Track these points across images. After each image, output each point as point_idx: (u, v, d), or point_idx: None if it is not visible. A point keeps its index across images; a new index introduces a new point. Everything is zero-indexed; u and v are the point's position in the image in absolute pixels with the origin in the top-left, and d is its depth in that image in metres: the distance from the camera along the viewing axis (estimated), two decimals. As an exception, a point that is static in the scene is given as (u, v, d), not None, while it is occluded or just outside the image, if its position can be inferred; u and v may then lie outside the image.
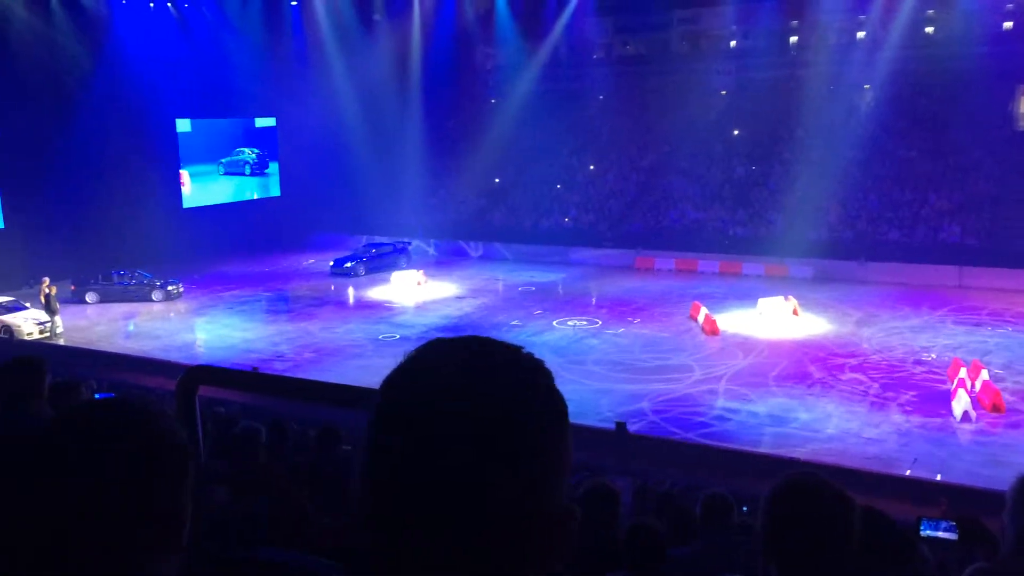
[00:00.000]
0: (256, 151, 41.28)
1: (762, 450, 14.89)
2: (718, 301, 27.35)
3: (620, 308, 27.53)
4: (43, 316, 24.57)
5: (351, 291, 31.55)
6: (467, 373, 0.94)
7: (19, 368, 3.92)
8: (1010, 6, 38.60)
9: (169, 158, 38.40)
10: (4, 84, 31.06)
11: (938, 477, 13.51)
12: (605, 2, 45.27)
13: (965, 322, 24.72)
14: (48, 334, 24.27)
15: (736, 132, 41.88)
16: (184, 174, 39.81)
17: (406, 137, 42.60)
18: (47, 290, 24.63)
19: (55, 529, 1.16)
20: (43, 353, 14.64)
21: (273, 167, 43.75)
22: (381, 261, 34.86)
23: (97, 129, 32.29)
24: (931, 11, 39.48)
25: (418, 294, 30.37)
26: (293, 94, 41.24)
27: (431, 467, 0.89)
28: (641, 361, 21.29)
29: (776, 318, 24.92)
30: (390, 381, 0.97)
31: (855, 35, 41.51)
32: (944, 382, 18.45)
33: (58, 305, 24.93)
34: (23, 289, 28.62)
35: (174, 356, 21.03)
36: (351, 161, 41.26)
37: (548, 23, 44.61)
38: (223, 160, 41.61)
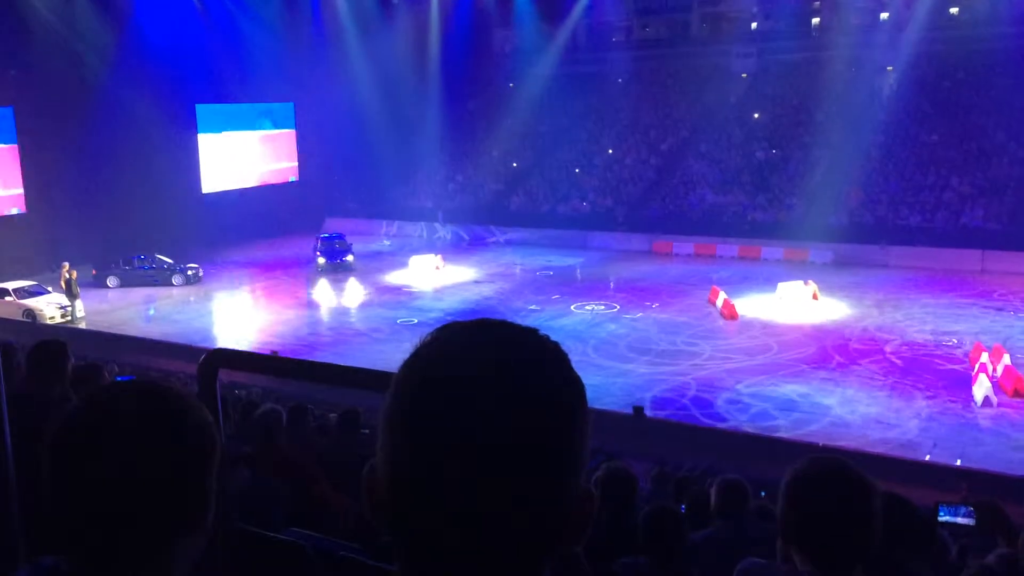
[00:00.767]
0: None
1: (780, 435, 14.85)
2: (737, 285, 27.23)
3: (638, 292, 27.46)
4: (65, 300, 24.83)
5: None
6: (485, 356, 0.93)
7: (42, 351, 3.97)
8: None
9: (189, 143, 38.58)
10: (26, 70, 31.32)
11: (958, 462, 13.43)
12: (624, -16, 45.01)
13: (987, 306, 24.48)
14: (69, 318, 24.54)
15: (756, 115, 41.55)
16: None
17: (424, 121, 42.56)
18: (67, 275, 24.89)
19: (88, 507, 1.17)
20: (65, 337, 14.82)
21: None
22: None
23: (118, 114, 32.47)
24: (956, -9, 39.00)
25: (436, 278, 30.43)
26: (312, 78, 41.29)
27: (452, 451, 0.88)
28: (659, 346, 21.24)
29: (795, 303, 24.79)
30: (408, 364, 0.96)
31: (878, 16, 41.02)
32: (965, 367, 18.30)
33: (79, 289, 25.18)
34: (45, 274, 28.92)
35: (194, 340, 21.22)
36: (369, 145, 41.31)
37: (567, 5, 44.36)
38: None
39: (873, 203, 34.33)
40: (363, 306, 26.67)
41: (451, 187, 43.38)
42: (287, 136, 43.89)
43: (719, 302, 24.64)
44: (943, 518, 5.32)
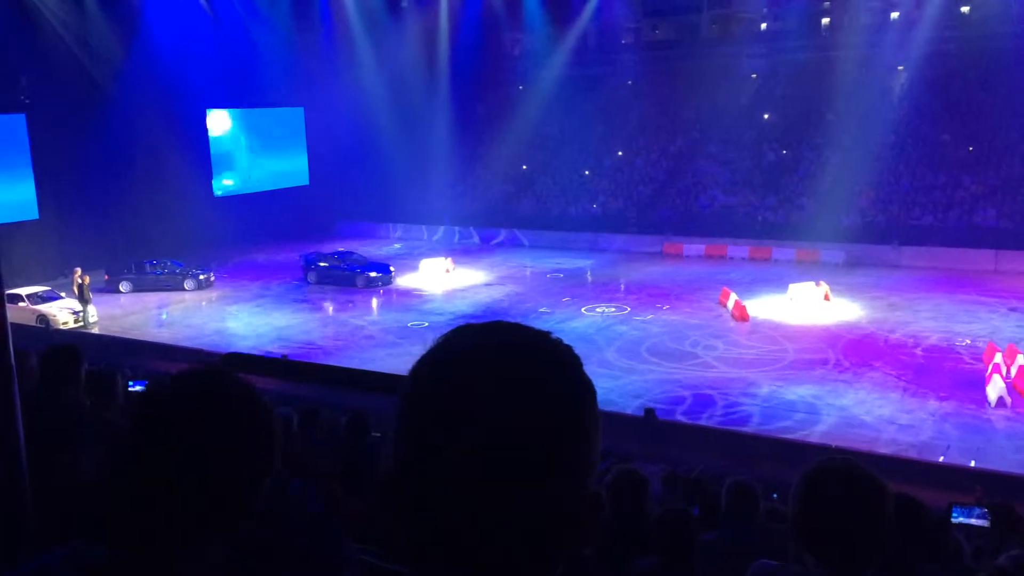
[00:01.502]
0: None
1: (792, 436, 14.79)
2: (748, 287, 27.15)
3: (649, 294, 27.41)
4: (77, 306, 24.97)
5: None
6: (497, 359, 0.93)
7: (56, 356, 3.99)
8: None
9: (200, 148, 38.76)
10: (38, 76, 31.52)
11: (972, 463, 13.35)
12: (633, -14, 44.96)
13: (1001, 307, 24.32)
14: (82, 323, 24.67)
15: (767, 116, 41.41)
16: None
17: (434, 124, 42.62)
18: (79, 280, 25.04)
19: (168, 483, 1.23)
20: (78, 342, 14.91)
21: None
22: (332, 274, 30.28)
23: (129, 120, 32.65)
24: (966, -10, 38.78)
25: (447, 281, 30.45)
26: (321, 82, 41.42)
27: (461, 453, 0.88)
28: (670, 348, 21.20)
29: (807, 304, 24.68)
30: (419, 367, 0.96)
31: (888, 16, 40.78)
32: (979, 367, 18.18)
33: (91, 295, 25.32)
34: (58, 279, 29.09)
35: (206, 344, 21.29)
36: (379, 149, 41.41)
37: (576, 8, 44.32)
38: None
39: (885, 203, 34.17)
40: (374, 309, 26.71)
41: (461, 189, 43.42)
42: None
43: (730, 304, 24.57)
44: (957, 519, 5.30)
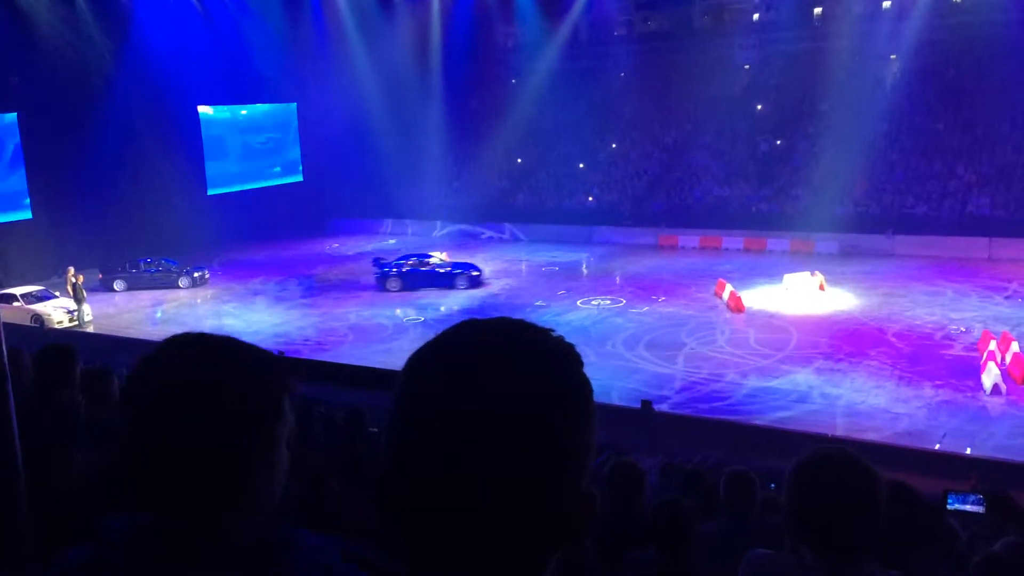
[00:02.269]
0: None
1: (789, 426, 14.83)
2: (743, 278, 27.20)
3: (644, 287, 27.44)
4: (72, 305, 24.92)
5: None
6: (496, 355, 0.93)
7: (51, 356, 3.99)
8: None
9: (193, 145, 38.66)
10: (30, 76, 31.39)
11: (968, 451, 13.40)
12: (625, -22, 44.89)
13: (995, 294, 24.40)
14: (77, 323, 24.62)
15: (760, 107, 41.42)
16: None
17: (427, 119, 42.55)
18: (73, 279, 24.99)
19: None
20: (73, 341, 14.88)
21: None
22: (422, 279, 28.29)
23: (122, 119, 32.54)
24: (958, -22, 38.76)
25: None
26: (314, 78, 41.31)
27: (455, 449, 0.88)
28: (666, 339, 21.23)
29: (802, 294, 24.74)
30: (416, 361, 0.96)
31: (880, 5, 40.76)
32: (974, 355, 18.24)
33: (85, 294, 25.25)
34: (52, 278, 29.02)
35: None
36: (373, 144, 41.33)
37: (568, 0, 44.25)
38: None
39: (878, 192, 34.23)
40: (370, 305, 26.69)
41: (456, 185, 43.38)
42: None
43: (725, 295, 24.61)
44: (952, 506, 5.33)
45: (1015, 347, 17.54)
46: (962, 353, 18.76)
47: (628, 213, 38.20)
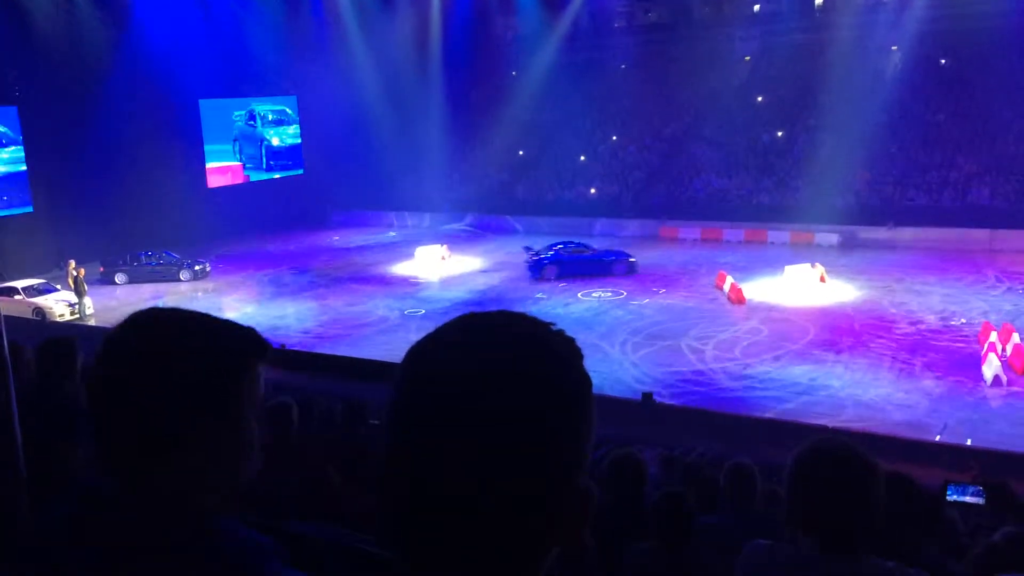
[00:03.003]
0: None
1: (790, 418, 14.84)
2: (744, 269, 27.19)
3: (645, 278, 27.44)
4: (73, 298, 24.94)
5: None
6: (496, 349, 0.92)
7: (52, 348, 4.00)
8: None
9: (193, 138, 38.63)
10: (30, 69, 31.37)
11: (968, 442, 13.41)
12: (625, -31, 44.75)
13: (996, 285, 24.39)
14: (78, 316, 24.65)
15: (760, 99, 41.34)
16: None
17: (428, 111, 42.50)
18: (74, 272, 25.01)
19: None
20: (74, 334, 14.89)
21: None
22: (578, 266, 27.99)
23: (122, 112, 32.52)
24: (960, -31, 38.59)
25: (443, 268, 30.44)
26: (314, 72, 41.23)
27: (455, 447, 0.88)
28: (667, 331, 21.23)
29: (803, 285, 24.73)
30: (414, 356, 0.95)
31: (881, -5, 40.66)
32: (975, 346, 18.24)
33: (86, 287, 25.27)
34: (53, 272, 29.03)
35: (203, 335, 21.18)
36: (373, 137, 41.29)
37: (569, -8, 44.17)
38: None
39: (879, 184, 34.19)
40: (371, 297, 26.71)
41: (457, 177, 43.35)
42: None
43: (726, 286, 24.61)
44: (952, 497, 5.35)
45: (1016, 338, 17.55)
46: (963, 344, 18.76)
47: (629, 205, 38.18)
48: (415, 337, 0.96)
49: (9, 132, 32.28)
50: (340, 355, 16.41)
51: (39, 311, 24.22)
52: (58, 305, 24.57)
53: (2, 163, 32.17)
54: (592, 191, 40.19)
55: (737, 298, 23.73)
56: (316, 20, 41.76)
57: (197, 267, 30.04)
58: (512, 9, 45.35)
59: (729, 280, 24.77)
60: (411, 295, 26.84)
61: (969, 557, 4.54)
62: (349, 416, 6.75)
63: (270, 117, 42.84)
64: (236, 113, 41.31)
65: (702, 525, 4.73)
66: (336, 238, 38.45)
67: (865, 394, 16.29)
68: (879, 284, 25.09)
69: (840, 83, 37.20)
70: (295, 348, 18.63)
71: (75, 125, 31.88)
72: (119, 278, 29.55)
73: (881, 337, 19.79)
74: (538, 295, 25.86)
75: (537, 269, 28.08)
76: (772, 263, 27.38)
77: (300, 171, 44.06)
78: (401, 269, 30.83)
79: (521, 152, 43.70)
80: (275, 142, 43.01)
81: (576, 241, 29.55)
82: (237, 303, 27.00)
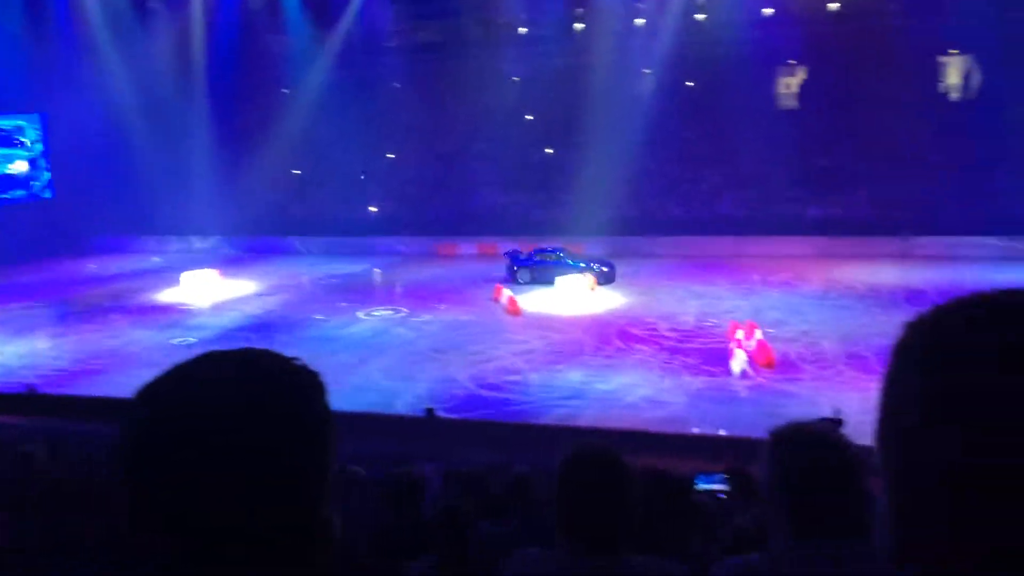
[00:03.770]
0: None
1: (567, 423, 15.52)
2: (520, 283, 28.09)
3: (426, 295, 27.67)
4: None
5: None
6: (233, 387, 0.94)
7: None
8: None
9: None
10: None
11: (721, 432, 14.64)
12: (394, -13, 44.95)
13: (740, 287, 26.78)
14: None
15: (530, 117, 42.97)
16: None
17: (192, 130, 40.45)
18: None
19: None
20: None
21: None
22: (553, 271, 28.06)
23: None
24: (701, -2, 42.17)
25: (214, 293, 29.04)
26: (63, 89, 38.04)
27: (191, 482, 0.89)
28: (449, 346, 21.52)
29: (575, 295, 25.96)
30: (154, 392, 0.95)
31: (633, 22, 43.53)
32: (724, 344, 19.93)
33: None
34: None
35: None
36: (133, 157, 38.74)
37: (338, 9, 43.70)
38: None
39: (640, 197, 36.60)
40: (133, 327, 24.96)
41: (227, 198, 41.51)
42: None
43: (504, 299, 25.35)
44: (701, 486, 5.86)
45: (758, 334, 19.38)
46: (715, 343, 20.45)
47: (408, 222, 38.38)
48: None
49: None
50: (97, 395, 15.20)
51: None
52: None
53: None
54: (373, 209, 40.00)
55: (514, 310, 24.50)
56: (63, 33, 38.56)
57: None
58: (280, 25, 44.22)
59: (506, 293, 25.54)
60: (179, 323, 25.39)
61: (718, 540, 4.98)
62: (110, 459, 6.33)
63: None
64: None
65: (485, 535, 4.86)
66: (93, 266, 35.63)
67: (633, 394, 17.33)
68: (643, 290, 26.81)
69: (601, 104, 39.42)
70: (47, 389, 17.02)
71: None
72: None
73: (645, 340, 21.15)
74: (317, 316, 25.34)
75: (511, 273, 28.72)
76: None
77: (48, 194, 40.39)
78: (167, 296, 29.07)
79: (297, 171, 42.68)
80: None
81: (559, 248, 29.73)
82: (-22, 341, 24.28)
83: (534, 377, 18.72)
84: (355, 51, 45.70)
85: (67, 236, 38.05)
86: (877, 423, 0.83)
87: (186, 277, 30.02)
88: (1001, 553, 0.70)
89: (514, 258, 29.60)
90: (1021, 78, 33.64)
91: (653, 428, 14.87)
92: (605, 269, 28.47)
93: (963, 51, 38.48)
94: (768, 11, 41.91)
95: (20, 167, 39.94)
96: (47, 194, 40.41)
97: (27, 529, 4.05)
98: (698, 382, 17.80)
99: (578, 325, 23.05)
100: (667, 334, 21.67)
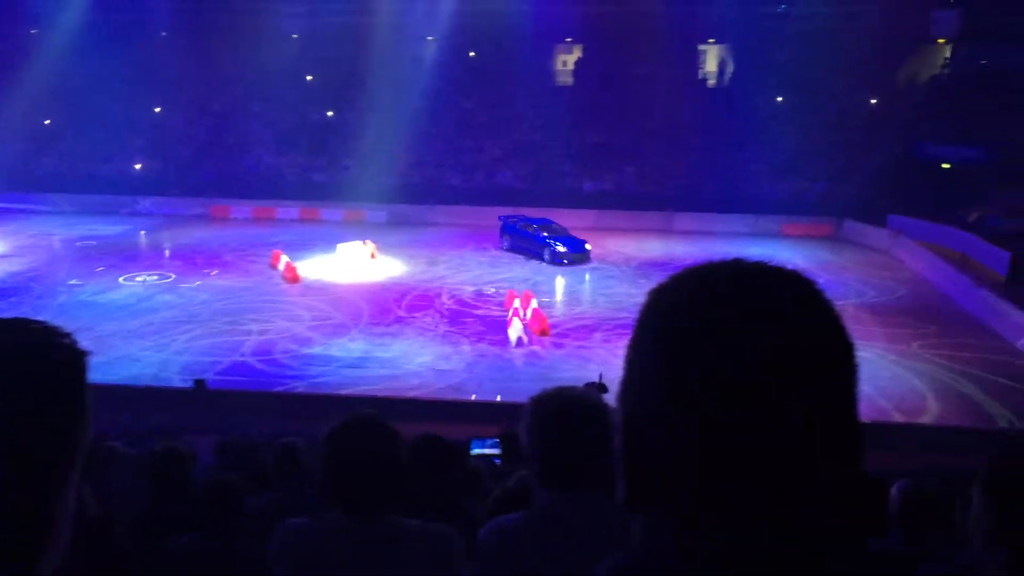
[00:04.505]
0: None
1: (346, 392, 15.43)
2: (299, 248, 27.39)
3: (196, 259, 26.30)
4: None
5: None
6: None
7: None
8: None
9: None
10: None
11: (498, 398, 15.16)
12: (160, -71, 41.76)
13: (517, 256, 27.55)
14: None
15: (310, 77, 41.70)
16: None
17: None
18: None
19: None
20: None
21: None
22: (524, 242, 27.59)
23: None
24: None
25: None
26: None
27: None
28: (220, 313, 20.61)
29: (355, 262, 25.69)
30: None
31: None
32: (502, 312, 20.56)
33: None
34: None
35: None
36: None
37: (96, -56, 40.01)
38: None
39: (420, 165, 36.70)
40: None
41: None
42: None
43: (281, 265, 24.62)
44: (475, 451, 6.08)
45: (534, 303, 20.15)
46: (493, 311, 21.05)
47: (176, 182, 36.15)
48: None
49: None
50: None
51: None
52: None
53: None
54: (137, 166, 37.25)
55: (292, 277, 23.87)
56: None
57: None
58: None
59: (284, 259, 24.80)
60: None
61: (489, 500, 5.19)
62: None
63: None
64: None
65: (252, 508, 4.77)
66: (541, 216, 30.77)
67: (413, 362, 17.48)
68: (423, 259, 27.00)
69: (384, 67, 39.02)
70: None
71: None
72: None
73: (426, 308, 21.36)
74: (72, 281, 23.38)
75: (499, 236, 28.56)
76: (326, 241, 27.95)
77: None
78: None
79: (47, 121, 38.84)
80: None
81: (546, 220, 28.33)
82: None
83: (312, 346, 18.39)
84: (116, -7, 42.17)
85: None
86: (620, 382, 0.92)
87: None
88: (727, 500, 0.80)
89: (504, 221, 28.91)
90: (769, 68, 37.08)
91: (432, 396, 15.14)
92: (562, 249, 26.61)
93: (719, 41, 41.77)
94: (547, -12, 43.16)
95: None
96: None
97: None
98: (477, 350, 18.26)
99: (359, 293, 22.85)
100: (447, 303, 22.00)
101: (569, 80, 42.10)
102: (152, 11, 42.32)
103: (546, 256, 26.64)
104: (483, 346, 18.49)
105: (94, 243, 28.72)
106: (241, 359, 17.50)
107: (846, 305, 21.81)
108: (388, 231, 30.91)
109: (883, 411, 14.91)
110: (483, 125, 38.50)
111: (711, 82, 41.33)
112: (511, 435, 6.21)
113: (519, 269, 25.80)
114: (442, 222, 32.75)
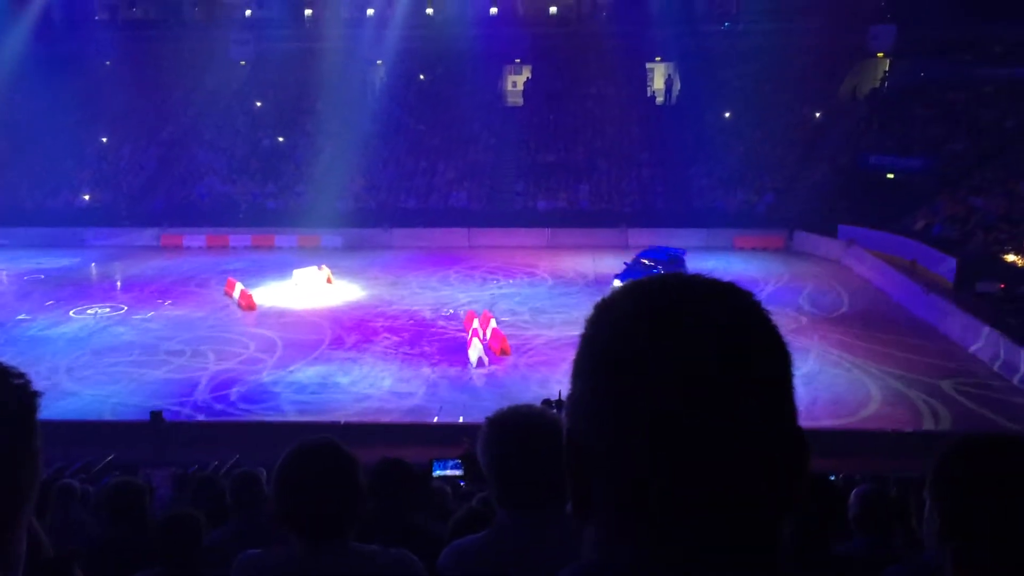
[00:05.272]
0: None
1: (305, 419, 15.27)
2: (253, 275, 27.10)
3: (148, 290, 25.88)
4: None
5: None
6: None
7: None
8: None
9: None
10: None
11: (460, 419, 15.10)
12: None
13: (475, 277, 27.67)
14: None
15: (259, 104, 41.45)
16: None
17: None
18: None
19: None
20: None
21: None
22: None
23: None
24: (430, -9, 42.93)
25: None
26: None
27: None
28: (175, 345, 20.26)
29: (312, 288, 25.47)
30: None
31: (365, 12, 43.39)
32: (462, 333, 20.52)
33: None
34: None
35: None
36: None
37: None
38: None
39: (374, 189, 36.58)
40: None
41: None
42: None
43: (236, 293, 24.32)
44: (438, 472, 6.06)
45: (493, 323, 20.15)
46: (453, 332, 20.99)
47: (126, 213, 35.57)
48: None
49: None
50: None
51: None
52: None
53: None
54: (85, 197, 36.58)
55: (248, 304, 23.60)
56: None
57: None
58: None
59: (239, 287, 24.51)
60: None
61: (451, 521, 5.19)
62: None
63: None
64: None
65: (212, 540, 4.70)
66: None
67: (373, 386, 17.37)
68: (381, 283, 26.86)
69: (333, 92, 38.92)
70: None
71: None
72: None
73: (385, 332, 21.23)
74: (20, 316, 22.85)
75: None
76: (281, 267, 27.71)
77: None
78: None
79: (-11, 154, 38.03)
80: None
81: (676, 251, 26.26)
82: None
83: (271, 373, 18.17)
84: (57, 23, 41.56)
85: None
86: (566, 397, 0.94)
87: None
88: (670, 509, 0.83)
89: (627, 265, 25.35)
90: (715, 85, 37.76)
91: (394, 419, 15.05)
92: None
93: (665, 59, 42.43)
94: (494, 10, 43.59)
95: None
96: None
97: None
98: (438, 372, 18.19)
99: (317, 318, 22.66)
100: (406, 325, 21.90)
101: (519, 100, 42.40)
102: (96, 41, 41.82)
103: None
104: (443, 368, 18.43)
105: (43, 277, 28.12)
106: (197, 389, 17.23)
107: (800, 315, 22.20)
108: (344, 256, 30.72)
109: (838, 416, 15.18)
110: (435, 147, 38.54)
111: (659, 99, 41.92)
112: (473, 456, 6.24)
113: (476, 291, 25.80)
114: (398, 245, 32.65)
